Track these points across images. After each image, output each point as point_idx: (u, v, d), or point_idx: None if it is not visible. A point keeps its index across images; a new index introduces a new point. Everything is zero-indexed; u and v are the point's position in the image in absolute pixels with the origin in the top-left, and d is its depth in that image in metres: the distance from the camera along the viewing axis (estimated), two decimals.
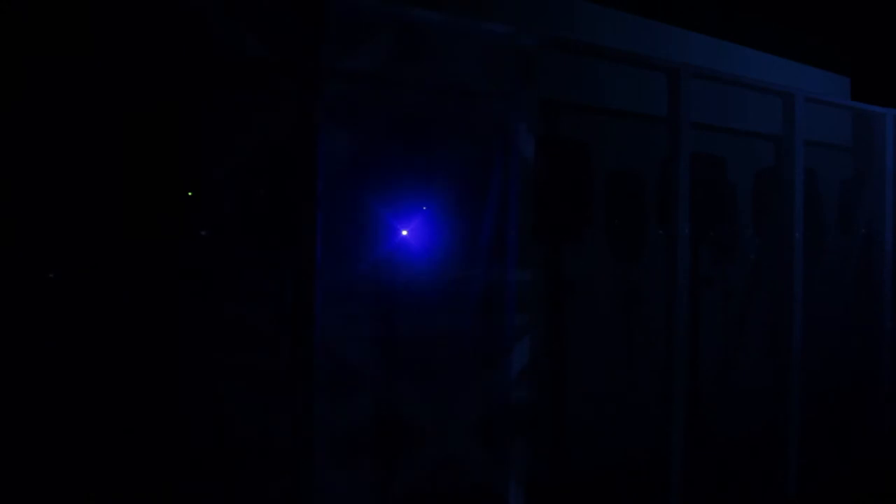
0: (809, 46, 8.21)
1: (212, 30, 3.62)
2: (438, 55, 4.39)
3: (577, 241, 5.34)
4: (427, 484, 4.30)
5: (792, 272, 5.61)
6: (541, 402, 5.03)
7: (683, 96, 4.82)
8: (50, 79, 3.23)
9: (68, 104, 3.27)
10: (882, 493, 6.03)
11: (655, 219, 5.53)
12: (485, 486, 4.32)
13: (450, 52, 4.42)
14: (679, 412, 4.82)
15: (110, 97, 3.36)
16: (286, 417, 3.54)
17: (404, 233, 4.26)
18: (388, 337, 4.23)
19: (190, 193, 3.61)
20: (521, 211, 4.15)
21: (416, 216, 4.33)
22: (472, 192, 4.49)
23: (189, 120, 3.56)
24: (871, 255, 6.58)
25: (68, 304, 3.27)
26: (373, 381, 4.15)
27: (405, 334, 4.28)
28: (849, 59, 8.71)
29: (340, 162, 3.95)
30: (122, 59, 3.38)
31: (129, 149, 3.40)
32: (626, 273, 5.70)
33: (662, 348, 4.87)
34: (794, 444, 5.61)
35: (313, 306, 3.54)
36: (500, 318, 4.26)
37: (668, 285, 4.84)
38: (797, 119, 5.63)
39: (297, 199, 3.52)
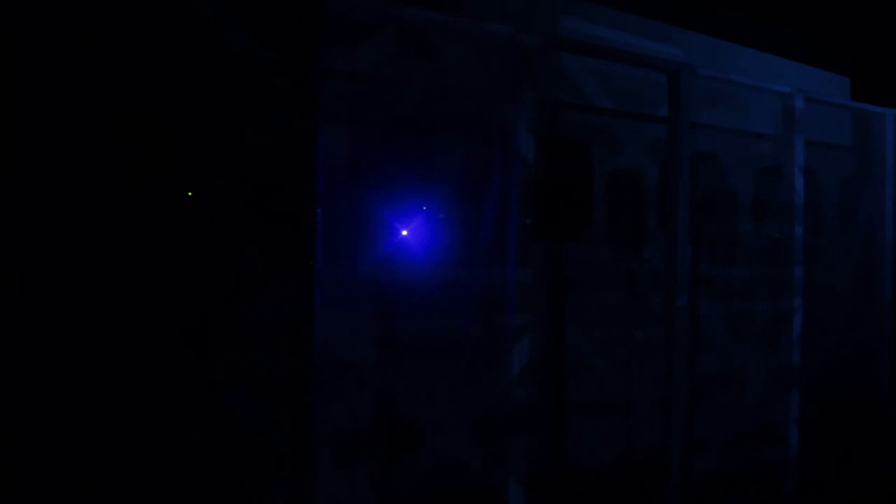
0: (809, 46, 8.21)
1: (212, 30, 3.62)
2: (438, 55, 4.39)
3: (577, 240, 5.33)
4: (427, 484, 4.30)
5: (792, 272, 5.61)
6: (541, 402, 5.03)
7: (683, 96, 4.83)
8: (49, 79, 3.23)
9: (68, 104, 3.27)
10: (882, 493, 6.03)
11: (655, 218, 5.53)
12: (485, 485, 4.32)
13: (450, 52, 4.42)
14: (679, 411, 4.82)
15: (110, 97, 3.36)
16: (287, 417, 3.54)
17: (404, 233, 4.26)
18: (389, 337, 4.23)
19: (190, 193, 3.61)
20: (520, 211, 4.15)
21: (416, 216, 4.33)
22: (472, 192, 4.49)
23: (189, 120, 3.56)
24: (871, 255, 6.58)
25: (68, 305, 3.26)
26: (373, 380, 4.15)
27: (406, 334, 4.28)
28: (849, 59, 8.71)
29: (340, 162, 3.95)
30: (121, 60, 3.38)
31: (129, 149, 3.40)
32: (626, 272, 5.70)
33: (662, 348, 4.87)
34: (794, 444, 5.61)
35: (314, 306, 3.54)
36: (500, 318, 4.27)
37: (668, 285, 4.85)
38: (797, 119, 5.63)
39: (297, 199, 3.53)
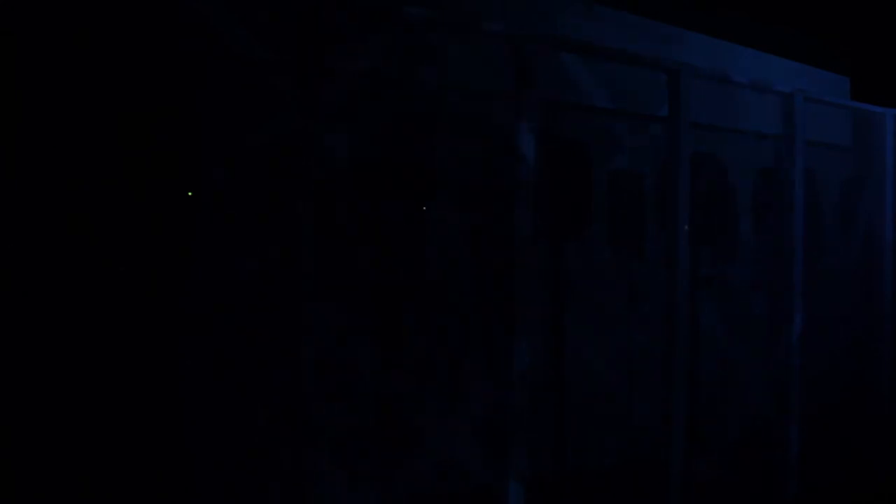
0: (809, 46, 8.21)
1: (212, 30, 3.62)
2: (438, 55, 4.39)
3: (577, 240, 5.34)
4: (428, 484, 4.30)
5: (792, 272, 5.61)
6: (541, 401, 5.03)
7: (683, 96, 4.83)
8: (49, 79, 3.23)
9: (68, 104, 3.27)
10: (882, 493, 6.03)
11: (656, 218, 5.53)
12: (485, 486, 4.32)
13: (450, 52, 4.42)
14: (679, 412, 4.82)
15: (110, 97, 3.36)
16: (287, 418, 3.54)
17: (405, 232, 4.26)
18: (388, 335, 4.23)
19: (190, 193, 3.61)
20: (520, 211, 4.15)
21: (416, 215, 4.33)
22: (472, 193, 4.49)
23: (189, 120, 3.56)
24: (871, 255, 6.58)
25: (67, 305, 3.27)
26: (373, 380, 4.16)
27: (404, 332, 4.28)
28: (849, 59, 8.71)
29: (340, 161, 3.95)
30: (121, 60, 3.38)
31: (129, 149, 3.41)
32: (626, 272, 5.70)
33: (663, 347, 4.87)
34: (794, 444, 5.61)
35: (313, 304, 3.53)
36: (500, 319, 4.26)
37: (668, 284, 4.85)
38: (797, 119, 5.63)
39: (297, 199, 3.52)
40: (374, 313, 4.19)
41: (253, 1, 3.73)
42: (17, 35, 3.16)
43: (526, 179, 4.15)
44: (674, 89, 4.84)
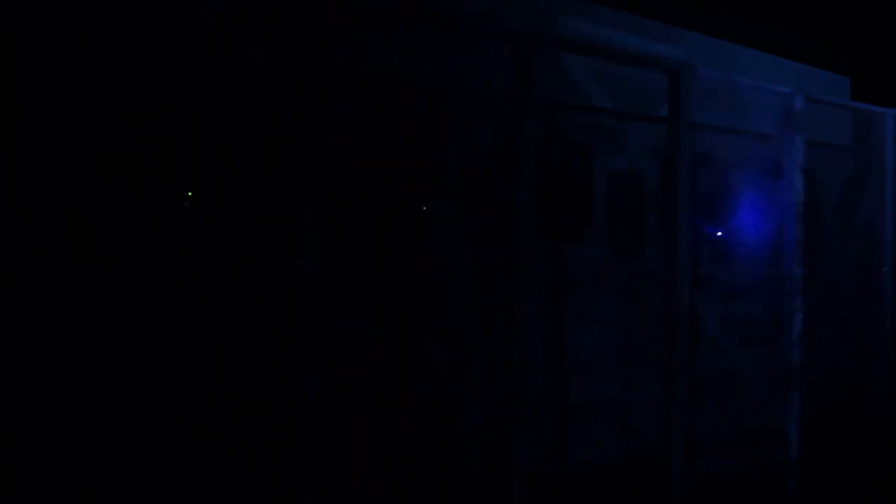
0: (809, 46, 8.21)
1: (212, 30, 3.62)
2: (438, 55, 4.39)
3: (577, 240, 5.34)
4: (428, 484, 4.31)
5: (792, 272, 5.61)
6: (541, 400, 5.03)
7: (683, 96, 4.82)
8: (49, 79, 3.23)
9: (68, 104, 3.27)
10: (882, 493, 6.03)
11: (655, 218, 5.53)
12: (488, 486, 4.33)
13: (450, 51, 4.42)
14: (679, 411, 4.82)
15: (110, 97, 3.36)
16: (287, 418, 3.55)
17: (405, 232, 4.26)
18: (387, 335, 4.23)
19: (190, 193, 3.61)
20: (521, 211, 4.15)
21: (415, 216, 4.34)
22: (472, 192, 4.49)
23: (189, 120, 3.56)
24: (872, 255, 6.58)
25: (67, 305, 3.27)
26: (371, 379, 4.16)
27: (399, 330, 4.28)
28: (849, 59, 8.71)
29: (341, 162, 3.95)
30: (121, 59, 3.38)
31: (129, 149, 3.41)
32: (626, 272, 5.70)
33: (662, 347, 4.87)
34: (794, 444, 5.61)
35: (313, 304, 3.54)
36: (500, 318, 4.27)
37: (669, 285, 4.85)
38: (797, 119, 5.63)
39: (297, 199, 3.52)
40: (373, 313, 4.19)
41: (253, 1, 3.73)
42: (17, 35, 3.16)
43: (526, 179, 4.15)
44: (674, 89, 4.84)
